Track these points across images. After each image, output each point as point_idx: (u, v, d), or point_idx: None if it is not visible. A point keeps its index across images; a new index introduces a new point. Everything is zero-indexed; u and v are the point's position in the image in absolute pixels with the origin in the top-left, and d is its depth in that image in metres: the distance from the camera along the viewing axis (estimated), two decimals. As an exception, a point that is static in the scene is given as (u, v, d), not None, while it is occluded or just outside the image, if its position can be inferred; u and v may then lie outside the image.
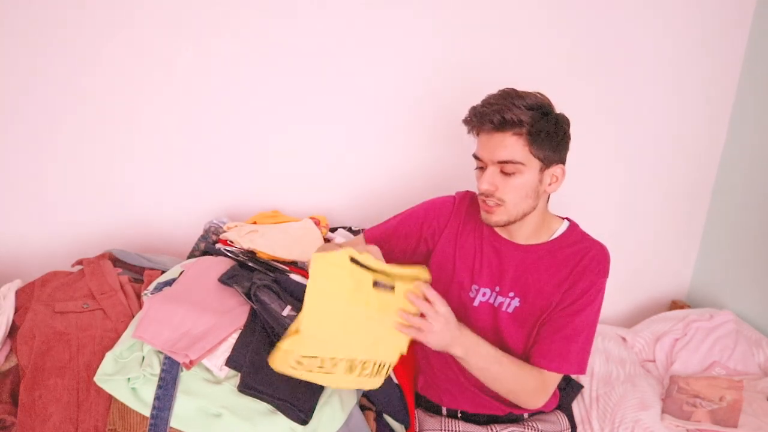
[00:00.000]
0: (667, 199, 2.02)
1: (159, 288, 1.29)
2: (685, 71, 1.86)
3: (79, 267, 1.45)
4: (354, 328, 1.01)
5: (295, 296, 1.30)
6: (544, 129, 1.15)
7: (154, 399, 1.09)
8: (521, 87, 1.19)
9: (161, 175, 1.67)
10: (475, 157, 1.21)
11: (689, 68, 1.86)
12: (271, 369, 1.13)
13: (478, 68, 1.70)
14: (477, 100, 1.21)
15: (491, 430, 1.32)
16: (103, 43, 1.52)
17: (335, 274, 0.98)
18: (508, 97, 1.15)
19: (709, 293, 2.06)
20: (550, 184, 1.22)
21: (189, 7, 1.53)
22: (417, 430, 1.34)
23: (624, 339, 1.87)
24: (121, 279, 1.38)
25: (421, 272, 1.05)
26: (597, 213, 1.74)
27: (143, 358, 1.14)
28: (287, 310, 1.23)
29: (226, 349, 1.16)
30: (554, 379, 1.23)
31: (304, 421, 1.10)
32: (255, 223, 1.56)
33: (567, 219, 1.32)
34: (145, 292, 1.30)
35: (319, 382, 1.07)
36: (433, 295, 1.05)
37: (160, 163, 1.66)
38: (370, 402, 1.29)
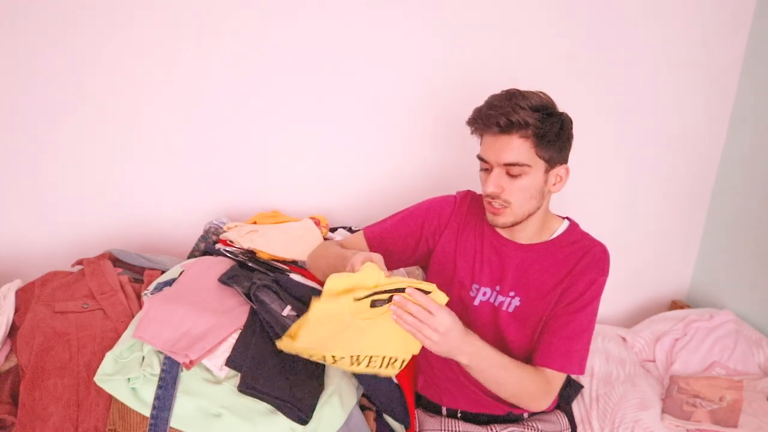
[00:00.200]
0: (667, 199, 2.02)
1: (159, 288, 1.29)
2: (685, 71, 1.86)
3: (79, 267, 1.45)
4: (351, 334, 1.01)
5: (295, 296, 1.30)
6: (550, 130, 1.14)
7: (154, 399, 1.09)
8: (521, 87, 1.19)
9: (161, 175, 1.67)
10: (480, 158, 1.21)
11: (689, 68, 1.86)
12: (271, 369, 1.13)
13: (478, 68, 1.70)
14: (477, 100, 1.20)
15: (491, 430, 1.32)
16: (103, 43, 1.52)
17: (334, 313, 0.98)
18: (512, 98, 1.14)
19: (709, 293, 2.05)
20: (554, 184, 1.22)
21: (189, 7, 1.53)
22: (417, 430, 1.34)
23: (624, 339, 1.87)
24: (121, 279, 1.38)
25: (430, 287, 1.02)
26: (597, 213, 1.74)
27: (143, 358, 1.14)
28: (287, 310, 1.23)
29: (226, 349, 1.16)
30: (558, 379, 1.22)
31: (304, 421, 1.10)
32: (255, 223, 1.56)
33: (567, 218, 1.32)
34: (145, 292, 1.30)
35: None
36: (434, 307, 1.01)
37: (160, 163, 1.66)
38: (370, 402, 1.29)
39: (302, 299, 1.30)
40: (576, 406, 1.60)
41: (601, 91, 1.83)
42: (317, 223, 1.60)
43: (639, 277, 2.11)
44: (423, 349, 1.06)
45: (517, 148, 1.14)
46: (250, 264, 1.41)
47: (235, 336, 1.19)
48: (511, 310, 1.26)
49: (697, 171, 2.00)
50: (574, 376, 1.62)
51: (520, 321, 1.25)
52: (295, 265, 1.45)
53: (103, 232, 1.67)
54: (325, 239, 1.58)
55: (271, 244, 1.46)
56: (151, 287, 1.30)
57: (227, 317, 1.21)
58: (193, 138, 1.65)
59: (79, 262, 1.46)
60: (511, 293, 1.26)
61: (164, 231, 1.71)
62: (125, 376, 1.10)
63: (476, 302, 1.28)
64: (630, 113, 1.88)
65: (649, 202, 2.01)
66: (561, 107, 1.20)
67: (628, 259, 1.97)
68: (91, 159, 1.61)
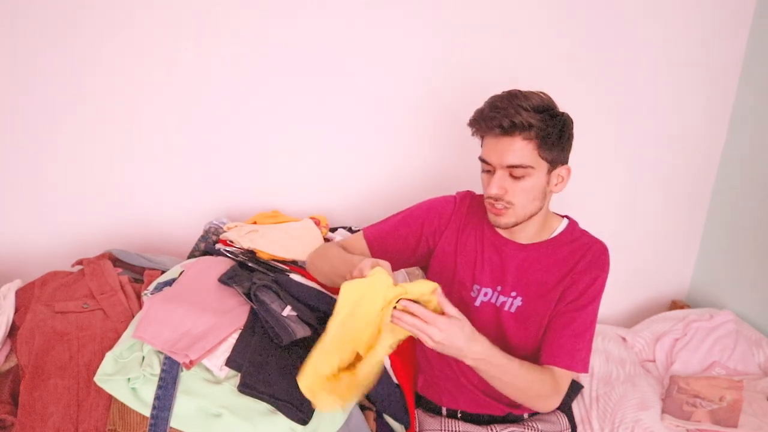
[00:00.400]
0: (667, 199, 2.02)
1: (159, 288, 1.29)
2: (685, 71, 1.86)
3: (79, 267, 1.45)
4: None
5: (295, 296, 1.30)
6: (553, 132, 1.14)
7: (154, 399, 1.09)
8: (521, 87, 1.19)
9: (161, 175, 1.67)
10: (482, 160, 1.20)
11: (689, 68, 1.86)
12: (272, 369, 1.13)
13: (478, 68, 1.70)
14: (477, 100, 1.20)
15: (491, 430, 1.32)
16: (103, 43, 1.52)
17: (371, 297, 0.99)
18: (514, 99, 1.14)
19: (709, 293, 2.05)
20: (556, 185, 1.22)
21: (189, 7, 1.53)
22: (417, 430, 1.34)
23: (624, 339, 1.87)
24: (121, 279, 1.38)
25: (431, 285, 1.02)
26: (597, 213, 1.74)
27: (143, 358, 1.14)
28: (287, 310, 1.23)
29: (226, 349, 1.16)
30: (566, 378, 1.21)
31: (304, 421, 1.10)
32: (255, 223, 1.56)
33: (566, 217, 1.32)
34: (145, 292, 1.30)
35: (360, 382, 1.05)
36: (431, 317, 1.00)
37: (160, 163, 1.66)
38: (370, 402, 1.29)
39: (301, 299, 1.30)
40: (576, 406, 1.60)
41: (601, 91, 1.83)
42: (317, 223, 1.60)
43: (639, 277, 2.11)
44: (423, 348, 1.06)
45: (519, 150, 1.14)
46: (250, 264, 1.41)
47: (235, 336, 1.19)
48: (513, 310, 1.26)
49: (697, 171, 2.00)
50: (574, 376, 1.62)
51: (523, 321, 1.25)
52: (295, 265, 1.45)
53: (103, 232, 1.67)
54: (325, 239, 1.58)
55: (271, 244, 1.46)
56: (151, 287, 1.30)
57: (227, 317, 1.21)
58: (193, 138, 1.65)
59: (79, 262, 1.46)
60: (513, 293, 1.26)
61: (164, 231, 1.71)
62: (125, 376, 1.10)
63: (477, 303, 1.28)
64: (630, 113, 1.87)
65: (649, 202, 2.01)
66: (561, 107, 1.20)
67: (628, 259, 1.97)
68: (91, 159, 1.61)
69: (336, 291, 1.31)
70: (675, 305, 2.10)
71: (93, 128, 1.59)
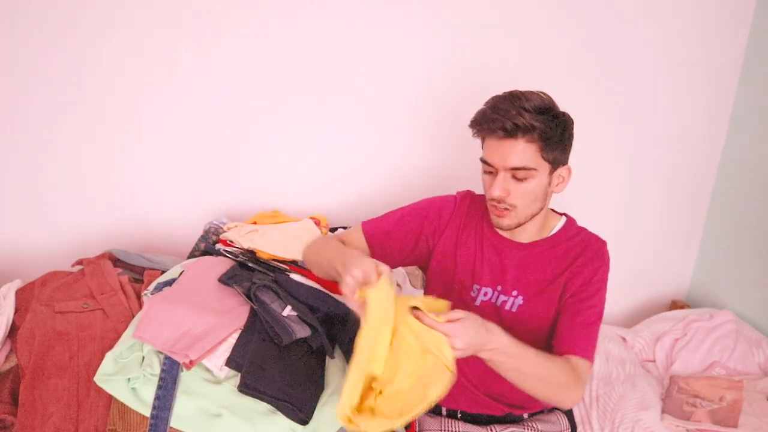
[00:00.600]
0: (667, 199, 2.02)
1: (159, 288, 1.29)
2: (685, 71, 1.86)
3: (79, 267, 1.45)
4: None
5: (295, 296, 1.30)
6: (555, 133, 1.14)
7: (154, 399, 1.09)
8: (521, 87, 1.18)
9: (161, 175, 1.67)
10: (484, 161, 1.19)
11: (689, 68, 1.86)
12: (272, 369, 1.13)
13: (478, 68, 1.70)
14: (477, 100, 1.20)
15: (491, 430, 1.32)
16: (103, 43, 1.52)
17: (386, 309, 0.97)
18: (516, 101, 1.13)
19: (709, 293, 2.05)
20: (557, 185, 1.22)
21: (189, 7, 1.53)
22: (417, 430, 1.34)
23: (624, 339, 1.87)
24: (121, 279, 1.38)
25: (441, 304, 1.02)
26: (597, 213, 1.73)
27: (143, 358, 1.14)
28: (287, 310, 1.23)
29: (226, 349, 1.16)
30: (584, 368, 1.17)
31: (304, 421, 1.10)
32: (255, 223, 1.56)
33: (564, 214, 1.33)
34: (145, 292, 1.30)
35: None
36: (447, 328, 0.97)
37: (160, 163, 1.66)
38: (370, 402, 1.29)
39: (301, 299, 1.30)
40: (576, 406, 1.60)
41: (601, 91, 1.83)
42: (317, 223, 1.60)
43: (639, 277, 2.11)
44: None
45: (522, 152, 1.13)
46: (250, 264, 1.41)
47: (235, 336, 1.19)
48: (514, 309, 1.26)
49: (697, 171, 2.00)
50: (589, 369, 1.61)
51: (524, 320, 1.25)
52: (295, 265, 1.45)
53: (103, 232, 1.67)
54: (325, 239, 1.58)
55: (271, 244, 1.46)
56: (151, 287, 1.30)
57: (227, 317, 1.21)
58: (193, 138, 1.65)
59: (79, 262, 1.46)
60: (514, 292, 1.26)
61: (164, 231, 1.71)
62: (125, 376, 1.10)
63: (477, 302, 1.28)
64: (630, 113, 1.88)
65: (649, 202, 2.01)
66: (561, 107, 1.20)
67: (628, 259, 1.97)
68: (91, 159, 1.61)
69: (334, 287, 1.31)
70: (675, 305, 2.10)
71: (93, 128, 1.59)
